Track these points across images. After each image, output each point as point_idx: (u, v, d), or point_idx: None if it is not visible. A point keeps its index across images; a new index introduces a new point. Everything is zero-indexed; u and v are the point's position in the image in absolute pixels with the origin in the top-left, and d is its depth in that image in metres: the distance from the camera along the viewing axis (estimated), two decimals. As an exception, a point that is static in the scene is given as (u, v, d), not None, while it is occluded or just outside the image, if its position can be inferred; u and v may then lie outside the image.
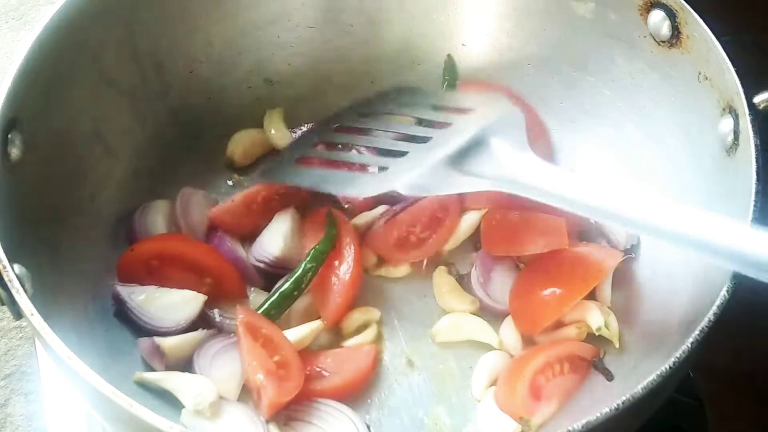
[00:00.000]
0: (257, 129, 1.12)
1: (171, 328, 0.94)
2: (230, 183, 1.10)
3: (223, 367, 0.92)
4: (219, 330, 0.96)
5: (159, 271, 0.97)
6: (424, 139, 0.98)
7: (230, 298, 0.98)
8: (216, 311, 0.97)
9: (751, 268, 0.73)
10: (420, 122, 1.03)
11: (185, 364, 0.93)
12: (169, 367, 0.92)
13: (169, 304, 0.94)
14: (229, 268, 0.99)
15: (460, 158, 0.94)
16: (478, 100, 1.02)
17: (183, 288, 0.95)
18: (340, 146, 1.05)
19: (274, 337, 0.92)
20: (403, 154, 0.97)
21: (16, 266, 0.77)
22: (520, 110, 0.98)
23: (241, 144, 1.11)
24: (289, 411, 0.91)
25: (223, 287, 0.98)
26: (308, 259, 0.98)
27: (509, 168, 0.91)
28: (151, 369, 0.92)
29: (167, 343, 0.92)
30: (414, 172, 0.94)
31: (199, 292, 0.96)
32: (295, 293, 0.97)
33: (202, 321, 0.96)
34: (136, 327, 0.94)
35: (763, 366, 1.01)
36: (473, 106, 1.00)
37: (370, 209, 1.05)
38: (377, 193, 0.96)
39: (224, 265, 0.99)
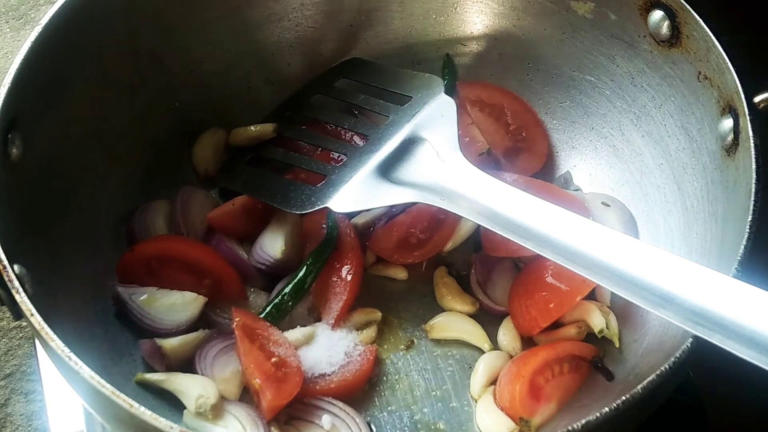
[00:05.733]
0: (212, 134, 1.10)
1: (172, 330, 0.94)
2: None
3: (224, 367, 0.92)
4: (220, 330, 0.96)
5: (159, 272, 0.97)
6: (364, 136, 1.03)
7: (230, 298, 0.98)
8: (217, 312, 0.97)
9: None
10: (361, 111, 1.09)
11: (186, 365, 0.93)
12: (170, 368, 0.92)
13: (170, 306, 0.94)
14: (229, 269, 0.99)
15: (391, 164, 0.97)
16: (414, 84, 1.06)
17: (183, 289, 0.95)
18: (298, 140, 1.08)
19: (271, 337, 0.92)
20: (344, 155, 1.02)
21: (16, 266, 0.77)
22: (452, 99, 1.02)
23: (203, 156, 1.09)
24: (290, 410, 0.91)
25: (222, 288, 0.98)
26: (310, 261, 0.98)
27: (438, 174, 0.93)
28: (152, 370, 0.92)
29: (168, 343, 0.92)
30: (342, 188, 0.97)
31: (199, 293, 0.96)
32: (297, 295, 0.97)
33: (202, 321, 0.96)
34: (137, 328, 0.94)
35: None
36: (410, 91, 1.05)
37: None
38: (312, 210, 0.98)
39: (224, 266, 0.99)
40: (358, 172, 0.99)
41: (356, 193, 0.97)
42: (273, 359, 0.90)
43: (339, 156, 1.03)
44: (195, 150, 1.09)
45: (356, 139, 1.05)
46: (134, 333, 0.95)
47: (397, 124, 1.02)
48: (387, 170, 0.98)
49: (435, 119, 1.01)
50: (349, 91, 1.11)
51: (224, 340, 0.94)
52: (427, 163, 0.96)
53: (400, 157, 0.98)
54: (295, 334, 0.95)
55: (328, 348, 0.95)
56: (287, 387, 0.89)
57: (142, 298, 0.94)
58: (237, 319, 0.91)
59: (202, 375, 0.91)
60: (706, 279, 0.74)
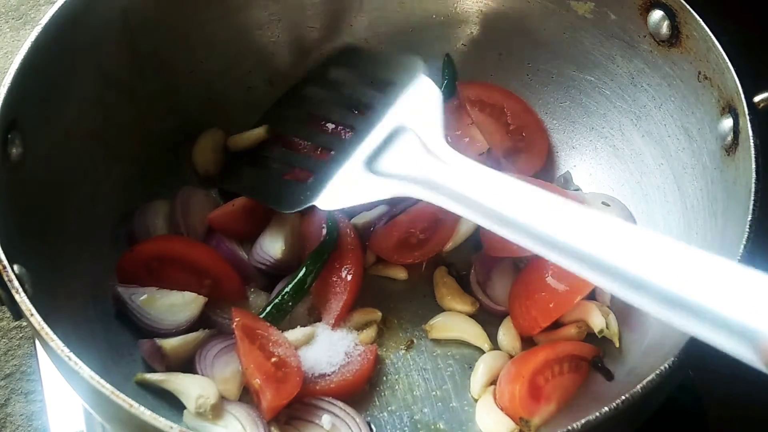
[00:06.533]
0: (212, 134, 1.10)
1: (171, 330, 0.94)
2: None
3: (224, 367, 0.92)
4: (220, 330, 0.96)
5: (159, 272, 0.97)
6: (350, 128, 1.02)
7: (230, 298, 0.98)
8: (217, 312, 0.97)
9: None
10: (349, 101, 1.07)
11: (186, 365, 0.93)
12: (170, 368, 0.92)
13: (170, 306, 0.94)
14: (229, 269, 0.99)
15: (377, 156, 0.95)
16: (398, 70, 1.04)
17: (183, 289, 0.95)
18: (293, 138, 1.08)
19: (271, 337, 0.92)
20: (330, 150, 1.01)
21: (16, 266, 0.77)
22: (436, 87, 1.00)
23: (203, 156, 1.09)
24: (290, 410, 0.91)
25: (222, 288, 0.98)
26: (310, 261, 0.98)
27: (423, 163, 0.90)
28: (152, 370, 0.92)
29: (168, 343, 0.92)
30: (328, 185, 0.96)
31: (198, 293, 0.96)
32: (297, 295, 0.97)
33: (202, 321, 0.96)
34: (137, 328, 0.94)
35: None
36: (395, 78, 1.03)
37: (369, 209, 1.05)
38: (300, 209, 0.97)
39: (223, 266, 0.99)
40: (343, 167, 0.97)
41: (342, 190, 0.95)
42: (273, 359, 0.90)
43: (326, 151, 1.02)
44: (195, 150, 1.09)
45: (343, 132, 1.04)
46: (134, 333, 0.95)
47: (379, 112, 1.00)
48: (372, 163, 0.96)
49: (416, 105, 0.98)
50: (342, 81, 1.10)
51: (224, 340, 0.94)
52: (410, 152, 0.93)
53: (385, 148, 0.96)
54: (295, 334, 0.95)
55: (328, 348, 0.95)
56: (287, 387, 0.89)
57: (142, 298, 0.94)
58: (237, 319, 0.91)
59: (202, 375, 0.91)
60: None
